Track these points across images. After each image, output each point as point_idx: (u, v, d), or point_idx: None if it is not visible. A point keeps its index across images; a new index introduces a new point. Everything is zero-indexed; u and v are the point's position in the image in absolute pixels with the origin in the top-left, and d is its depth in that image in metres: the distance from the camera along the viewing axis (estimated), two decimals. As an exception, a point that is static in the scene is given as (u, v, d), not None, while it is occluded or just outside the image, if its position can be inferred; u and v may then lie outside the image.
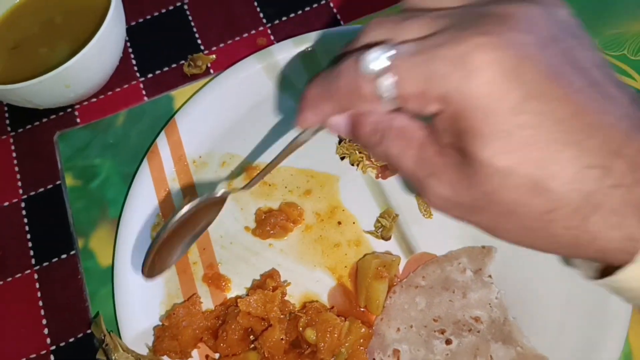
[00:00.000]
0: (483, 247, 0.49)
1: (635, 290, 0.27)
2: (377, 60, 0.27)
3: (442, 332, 0.46)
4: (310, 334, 0.45)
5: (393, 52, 0.27)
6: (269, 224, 0.51)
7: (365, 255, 0.50)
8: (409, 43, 0.27)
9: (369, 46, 0.28)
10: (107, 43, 0.55)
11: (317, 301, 0.49)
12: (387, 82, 0.27)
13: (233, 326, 0.46)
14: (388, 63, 0.27)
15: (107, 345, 0.47)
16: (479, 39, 0.25)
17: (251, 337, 0.48)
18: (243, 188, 0.44)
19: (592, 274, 0.31)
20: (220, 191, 0.44)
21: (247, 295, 0.49)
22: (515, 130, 0.25)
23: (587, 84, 0.26)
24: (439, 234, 0.50)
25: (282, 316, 0.47)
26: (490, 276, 0.48)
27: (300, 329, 0.46)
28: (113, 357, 0.47)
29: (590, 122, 0.25)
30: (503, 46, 0.25)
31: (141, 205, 0.53)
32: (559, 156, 0.25)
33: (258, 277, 0.51)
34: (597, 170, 0.25)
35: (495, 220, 0.29)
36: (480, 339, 0.46)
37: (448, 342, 0.46)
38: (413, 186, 0.32)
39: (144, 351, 0.48)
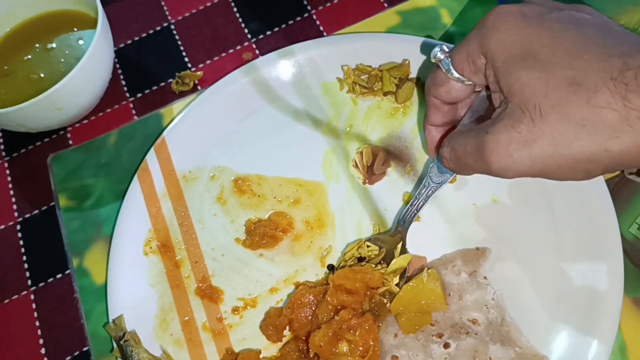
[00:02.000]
0: (477, 248, 0.49)
1: None
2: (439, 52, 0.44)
3: (440, 336, 0.46)
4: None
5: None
6: (259, 234, 0.52)
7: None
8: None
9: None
10: (95, 65, 0.56)
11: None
12: (446, 61, 0.43)
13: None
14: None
15: (126, 341, 0.48)
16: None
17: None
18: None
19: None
20: None
21: (241, 307, 0.50)
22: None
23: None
24: (427, 236, 0.50)
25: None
26: (485, 277, 0.48)
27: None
28: (135, 352, 0.47)
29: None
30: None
31: (133, 221, 0.54)
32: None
33: (251, 288, 0.51)
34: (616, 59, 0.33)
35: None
36: (478, 341, 0.45)
37: (446, 345, 0.46)
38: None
39: (139, 365, 0.48)
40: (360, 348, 0.44)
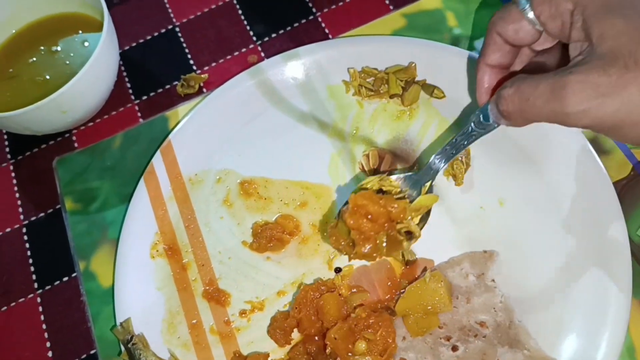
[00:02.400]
0: (484, 251, 0.49)
1: None
2: None
3: (448, 338, 0.46)
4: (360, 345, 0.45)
5: None
6: (266, 237, 0.52)
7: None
8: None
9: None
10: (101, 68, 0.56)
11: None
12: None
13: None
14: None
15: (134, 344, 0.48)
16: None
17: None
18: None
19: None
20: None
21: (248, 310, 0.50)
22: None
23: None
24: (435, 239, 0.50)
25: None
26: (493, 280, 0.48)
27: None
28: (143, 356, 0.47)
29: None
30: None
31: (139, 224, 0.54)
32: None
33: (258, 291, 0.51)
34: None
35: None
36: (486, 344, 0.46)
37: (454, 348, 0.46)
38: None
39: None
40: (380, 347, 0.45)
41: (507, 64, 0.46)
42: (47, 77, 0.61)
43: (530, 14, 0.41)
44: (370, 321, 0.45)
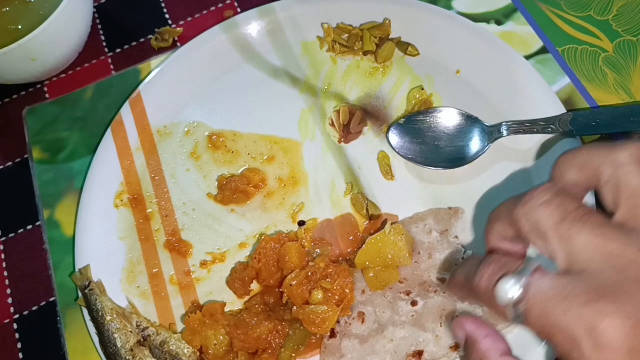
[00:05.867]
0: (449, 208, 0.49)
1: None
2: (512, 288, 0.31)
3: (408, 293, 0.46)
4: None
5: (526, 282, 0.30)
6: (230, 189, 0.51)
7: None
8: (544, 279, 0.30)
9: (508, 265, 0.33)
10: (72, 16, 0.55)
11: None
12: (518, 310, 0.31)
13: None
14: (520, 292, 0.30)
15: (91, 290, 0.47)
16: (614, 318, 0.27)
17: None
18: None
19: None
20: None
21: (209, 261, 0.49)
22: None
23: None
24: (400, 195, 0.50)
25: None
26: (456, 237, 0.47)
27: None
28: (98, 301, 0.47)
29: None
30: (634, 326, 0.27)
31: (104, 173, 0.53)
32: None
33: (220, 243, 0.50)
34: None
35: None
36: (446, 300, 0.45)
37: (413, 303, 0.45)
38: None
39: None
40: (336, 297, 0.44)
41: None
42: (20, 26, 0.60)
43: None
44: (329, 271, 0.44)
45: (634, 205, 0.31)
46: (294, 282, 0.43)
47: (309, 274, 0.44)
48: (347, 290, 0.44)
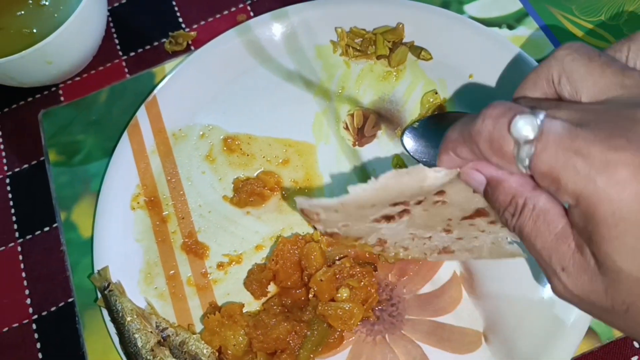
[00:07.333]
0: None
1: None
2: (526, 126, 0.27)
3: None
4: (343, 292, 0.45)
5: (542, 124, 0.27)
6: (246, 191, 0.52)
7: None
8: (561, 121, 0.27)
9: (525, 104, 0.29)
10: (88, 20, 0.56)
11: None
12: (528, 151, 0.27)
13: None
14: (534, 133, 0.27)
15: (110, 291, 0.48)
16: (630, 153, 0.25)
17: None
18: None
19: None
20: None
21: (226, 262, 0.50)
22: None
23: None
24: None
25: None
26: None
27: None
28: (119, 302, 0.47)
29: None
30: None
31: (121, 175, 0.54)
32: None
33: (236, 245, 0.51)
34: None
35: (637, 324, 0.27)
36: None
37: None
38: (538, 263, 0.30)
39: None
40: (362, 296, 0.45)
41: None
42: (35, 30, 0.60)
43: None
44: (355, 270, 0.45)
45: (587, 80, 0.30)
46: (323, 278, 0.44)
47: (337, 272, 0.45)
48: (372, 290, 0.45)
